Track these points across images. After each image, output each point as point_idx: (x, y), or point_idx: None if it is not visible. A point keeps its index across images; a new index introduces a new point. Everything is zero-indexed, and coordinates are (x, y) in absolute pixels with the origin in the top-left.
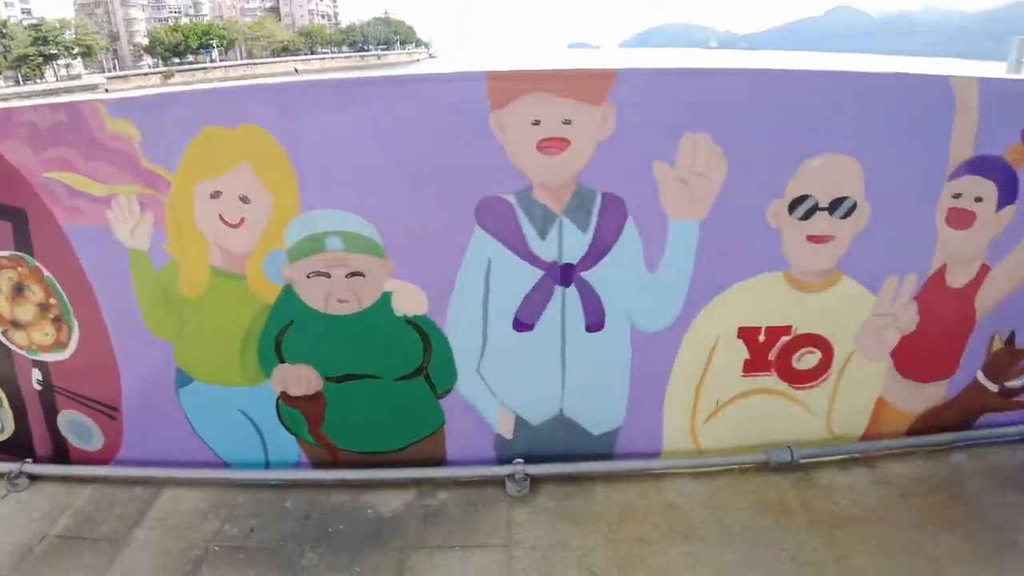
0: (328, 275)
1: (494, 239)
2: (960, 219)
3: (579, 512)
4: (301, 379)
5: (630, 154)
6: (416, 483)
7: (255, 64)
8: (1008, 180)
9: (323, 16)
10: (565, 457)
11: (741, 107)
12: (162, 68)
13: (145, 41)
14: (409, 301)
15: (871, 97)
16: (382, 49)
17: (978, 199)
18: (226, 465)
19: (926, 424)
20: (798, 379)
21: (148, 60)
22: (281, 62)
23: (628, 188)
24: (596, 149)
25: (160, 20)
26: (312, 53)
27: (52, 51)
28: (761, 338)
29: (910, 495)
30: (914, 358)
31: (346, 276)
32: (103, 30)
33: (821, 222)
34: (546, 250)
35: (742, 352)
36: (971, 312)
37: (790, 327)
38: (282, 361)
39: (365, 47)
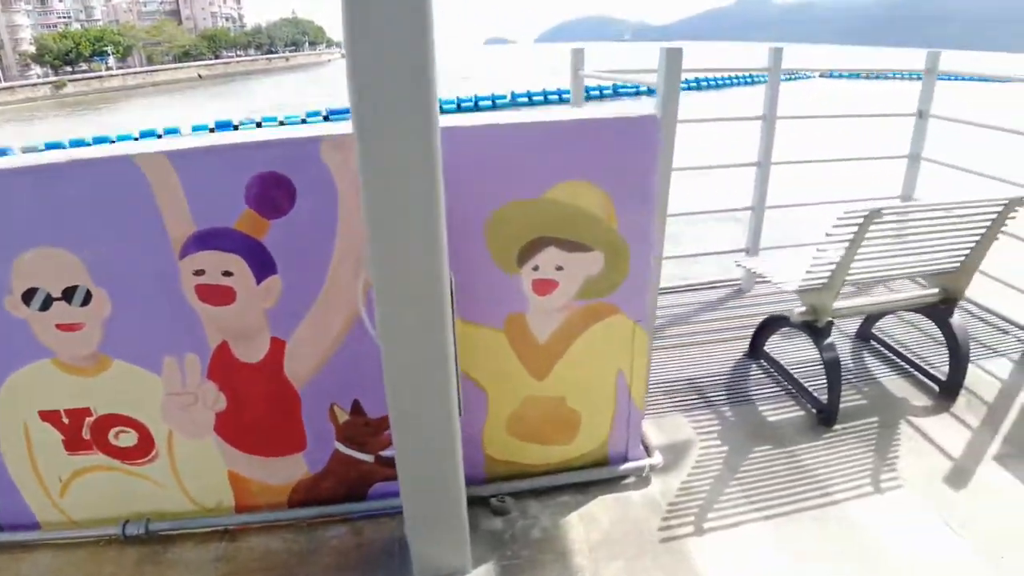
0: None
1: None
2: (212, 295)
3: None
4: None
5: None
6: None
7: (155, 71)
8: (254, 251)
9: (227, 18)
10: None
11: None
12: (53, 78)
13: (32, 49)
14: None
15: (60, 187)
16: (291, 50)
17: (227, 273)
18: None
19: (309, 495)
20: (127, 456)
21: (37, 69)
22: (184, 68)
23: None
24: None
25: (48, 27)
26: (216, 57)
27: None
28: (64, 420)
29: (237, 574)
30: (245, 434)
31: None
32: None
33: (62, 312)
34: None
35: (56, 433)
36: (286, 385)
37: (88, 408)
38: None
39: (272, 49)
